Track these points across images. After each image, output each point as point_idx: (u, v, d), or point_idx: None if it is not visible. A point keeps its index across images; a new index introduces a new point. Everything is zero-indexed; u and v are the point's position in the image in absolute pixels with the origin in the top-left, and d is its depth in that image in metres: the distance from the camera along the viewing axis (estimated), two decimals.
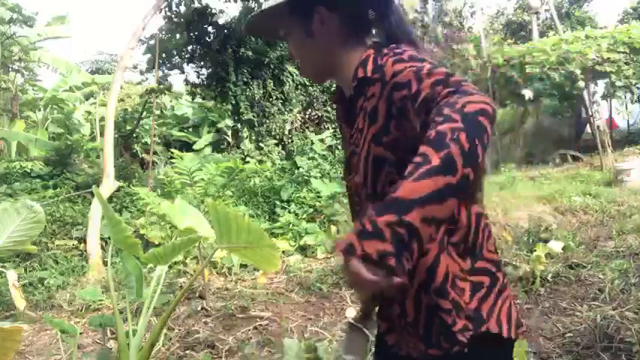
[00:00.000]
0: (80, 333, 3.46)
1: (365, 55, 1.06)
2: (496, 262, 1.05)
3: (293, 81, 9.94)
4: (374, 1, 1.11)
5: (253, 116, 9.57)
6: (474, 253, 1.02)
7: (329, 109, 10.18)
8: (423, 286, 0.98)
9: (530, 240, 4.52)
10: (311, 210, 6.17)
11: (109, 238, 3.74)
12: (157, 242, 4.68)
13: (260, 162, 8.70)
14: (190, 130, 12.92)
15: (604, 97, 10.93)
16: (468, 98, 0.81)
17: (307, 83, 10.01)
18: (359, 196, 1.10)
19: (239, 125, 9.71)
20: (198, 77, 10.04)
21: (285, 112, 9.92)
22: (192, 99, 11.39)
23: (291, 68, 9.80)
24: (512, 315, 1.04)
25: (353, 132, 1.09)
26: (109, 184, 5.81)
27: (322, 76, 1.18)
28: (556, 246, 4.23)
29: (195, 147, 11.22)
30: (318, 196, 6.36)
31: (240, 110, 9.47)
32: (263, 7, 1.10)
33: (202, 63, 9.95)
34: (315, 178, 6.81)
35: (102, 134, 8.09)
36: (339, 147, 8.67)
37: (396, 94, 0.94)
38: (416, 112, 0.89)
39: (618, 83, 9.96)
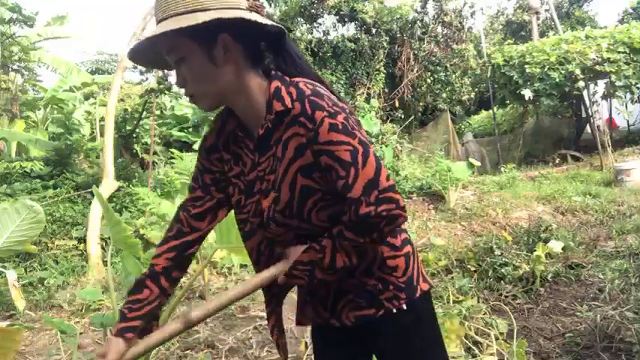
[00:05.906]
0: (80, 333, 3.46)
1: (274, 87, 1.09)
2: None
3: None
4: (268, 34, 1.11)
5: None
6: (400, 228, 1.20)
7: None
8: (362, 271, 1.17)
9: (530, 240, 4.51)
10: None
11: (109, 238, 3.74)
12: (156, 242, 4.67)
13: None
14: (190, 130, 12.90)
15: (604, 97, 10.91)
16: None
17: None
18: (259, 218, 1.18)
19: None
20: None
21: None
22: None
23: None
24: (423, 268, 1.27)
25: (263, 159, 1.14)
26: (109, 184, 5.82)
27: (218, 103, 1.15)
28: (556, 246, 4.22)
29: (195, 147, 11.20)
30: None
31: None
32: (161, 30, 1.01)
33: None
34: None
35: (102, 134, 8.07)
36: None
37: (326, 159, 1.03)
38: (345, 199, 1.04)
39: (618, 83, 9.94)
